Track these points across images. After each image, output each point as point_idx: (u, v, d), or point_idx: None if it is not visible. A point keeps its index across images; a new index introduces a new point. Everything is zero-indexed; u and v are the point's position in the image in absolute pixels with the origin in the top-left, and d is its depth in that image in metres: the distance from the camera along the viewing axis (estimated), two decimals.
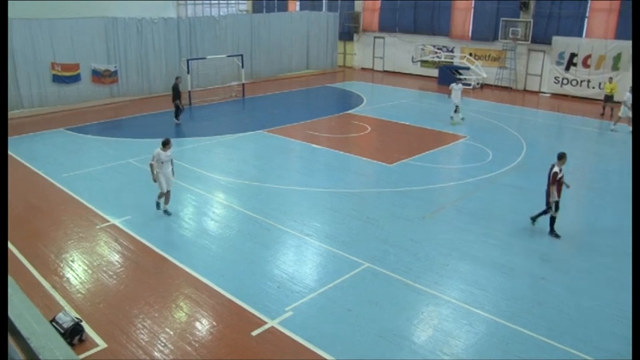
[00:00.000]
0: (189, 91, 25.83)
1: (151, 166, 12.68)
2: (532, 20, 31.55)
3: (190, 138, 20.59)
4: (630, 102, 22.11)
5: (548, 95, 31.61)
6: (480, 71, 32.80)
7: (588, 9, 30.36)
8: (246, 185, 15.61)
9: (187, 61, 26.52)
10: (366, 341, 8.51)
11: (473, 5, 34.21)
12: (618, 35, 29.38)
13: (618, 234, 12.70)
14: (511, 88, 32.82)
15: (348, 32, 40.54)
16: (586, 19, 30.59)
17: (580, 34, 30.80)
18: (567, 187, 12.69)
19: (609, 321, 9.28)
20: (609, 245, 12.15)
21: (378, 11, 38.97)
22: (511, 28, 31.91)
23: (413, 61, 36.30)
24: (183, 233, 12.38)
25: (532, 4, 31.63)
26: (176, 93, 22.38)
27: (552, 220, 12.61)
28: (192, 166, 16.81)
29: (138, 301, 9.56)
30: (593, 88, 30.37)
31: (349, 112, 25.71)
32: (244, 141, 20.35)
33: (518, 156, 18.65)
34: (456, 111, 22.86)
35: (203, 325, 8.92)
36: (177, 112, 22.60)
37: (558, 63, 31.33)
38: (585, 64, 30.42)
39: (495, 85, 32.67)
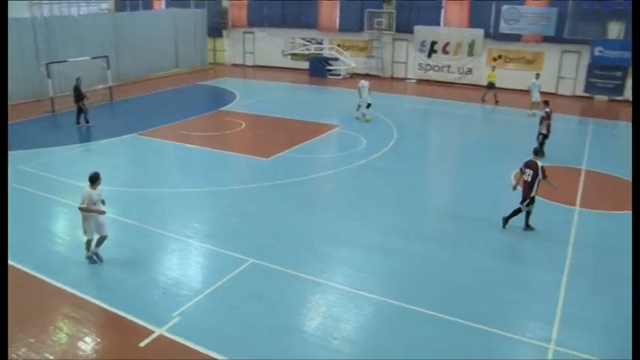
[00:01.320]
0: (52, 98, 24.27)
1: (83, 209, 10.58)
2: (395, 11, 33.12)
3: (58, 147, 19.38)
4: (537, 88, 24.36)
5: (414, 81, 33.33)
6: (349, 61, 33.81)
7: (444, 0, 32.36)
8: (121, 192, 15.02)
9: (47, 64, 24.89)
10: (257, 337, 8.59)
11: None
12: (471, 24, 31.68)
13: (488, 205, 13.78)
14: (379, 76, 34.19)
15: (216, 28, 40.04)
16: (442, 10, 32.60)
17: (438, 23, 32.79)
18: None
19: (490, 288, 10.12)
20: (480, 217, 13.13)
21: (245, 6, 38.86)
22: (376, 19, 33.26)
23: (283, 55, 36.65)
24: (56, 249, 11.70)
25: None
26: (78, 94, 21.30)
27: (528, 214, 12.62)
28: (62, 176, 15.87)
29: (10, 329, 8.93)
30: (453, 72, 32.51)
31: (223, 109, 25.50)
32: (116, 146, 19.54)
33: (390, 140, 19.57)
34: (367, 107, 22.60)
35: (87, 344, 8.53)
36: (82, 113, 21.53)
37: (421, 50, 33.15)
38: (445, 51, 32.47)
39: (364, 74, 33.80)
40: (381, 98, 27.57)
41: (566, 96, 29.68)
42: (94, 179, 10.67)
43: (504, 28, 30.64)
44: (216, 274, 10.49)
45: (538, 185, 12.25)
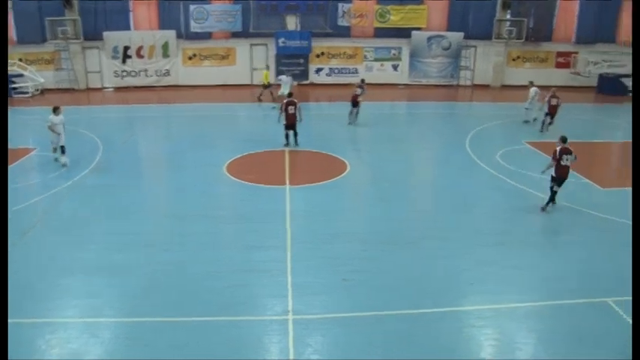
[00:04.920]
0: None
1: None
2: (79, 17, 31.21)
3: None
4: (288, 82, 26.20)
5: (112, 89, 32.11)
6: (36, 76, 30.97)
7: (131, 3, 31.71)
8: None
9: None
10: None
11: (11, 5, 31.70)
12: (162, 25, 31.78)
13: (204, 201, 14.14)
14: (73, 88, 32.06)
15: None
16: (131, 13, 31.93)
17: (129, 27, 32.04)
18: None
19: (224, 279, 10.43)
20: (201, 213, 13.43)
21: None
22: (59, 28, 30.93)
23: None
24: None
25: (75, 2, 31.14)
26: None
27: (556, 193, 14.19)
28: None
29: None
30: (151, 76, 32.26)
31: None
32: None
33: (96, 155, 18.55)
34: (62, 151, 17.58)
35: None
36: None
37: (114, 57, 32.07)
38: (139, 55, 31.98)
39: (57, 89, 31.40)
40: (79, 112, 25.97)
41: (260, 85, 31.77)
42: None
43: (195, 27, 31.48)
44: None
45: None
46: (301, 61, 32.40)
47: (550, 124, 22.35)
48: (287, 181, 15.84)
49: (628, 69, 33.93)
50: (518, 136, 21.95)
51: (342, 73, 33.53)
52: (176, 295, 9.91)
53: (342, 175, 16.64)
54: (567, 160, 13.83)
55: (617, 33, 34.61)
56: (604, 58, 34.70)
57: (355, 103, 22.66)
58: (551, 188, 14.15)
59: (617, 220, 13.59)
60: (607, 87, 32.97)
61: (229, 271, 10.74)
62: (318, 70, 33.34)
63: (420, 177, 18.17)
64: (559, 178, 14.00)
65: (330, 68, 33.51)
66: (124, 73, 32.33)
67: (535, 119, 23.87)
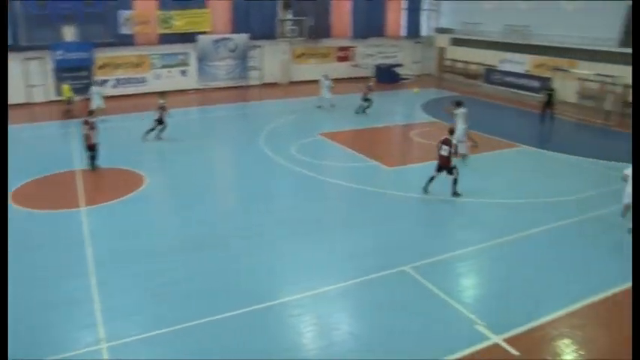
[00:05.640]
0: None
1: None
2: None
3: None
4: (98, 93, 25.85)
5: None
6: None
7: None
8: None
9: None
10: None
11: None
12: None
13: None
14: None
15: None
16: None
17: None
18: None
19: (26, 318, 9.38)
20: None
21: None
22: None
23: None
24: None
25: None
26: None
27: (455, 181, 14.79)
28: None
29: None
30: None
31: None
32: None
33: None
34: None
35: None
36: None
37: None
38: None
39: None
40: None
41: (41, 103, 29.36)
42: None
43: None
44: None
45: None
46: (84, 73, 30.42)
47: (365, 107, 26.50)
48: (82, 203, 14.88)
49: (397, 59, 38.28)
50: (311, 128, 23.17)
51: (130, 83, 32.18)
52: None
53: (141, 188, 16.08)
54: (444, 150, 14.63)
55: (385, 28, 38.68)
56: (378, 51, 38.39)
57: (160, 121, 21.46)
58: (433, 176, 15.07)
59: (404, 195, 15.12)
60: (383, 76, 36.37)
61: (28, 310, 9.74)
62: (104, 82, 31.59)
63: (220, 180, 18.31)
64: (438, 166, 14.94)
65: (117, 79, 31.95)
66: None
67: (331, 105, 27.51)
